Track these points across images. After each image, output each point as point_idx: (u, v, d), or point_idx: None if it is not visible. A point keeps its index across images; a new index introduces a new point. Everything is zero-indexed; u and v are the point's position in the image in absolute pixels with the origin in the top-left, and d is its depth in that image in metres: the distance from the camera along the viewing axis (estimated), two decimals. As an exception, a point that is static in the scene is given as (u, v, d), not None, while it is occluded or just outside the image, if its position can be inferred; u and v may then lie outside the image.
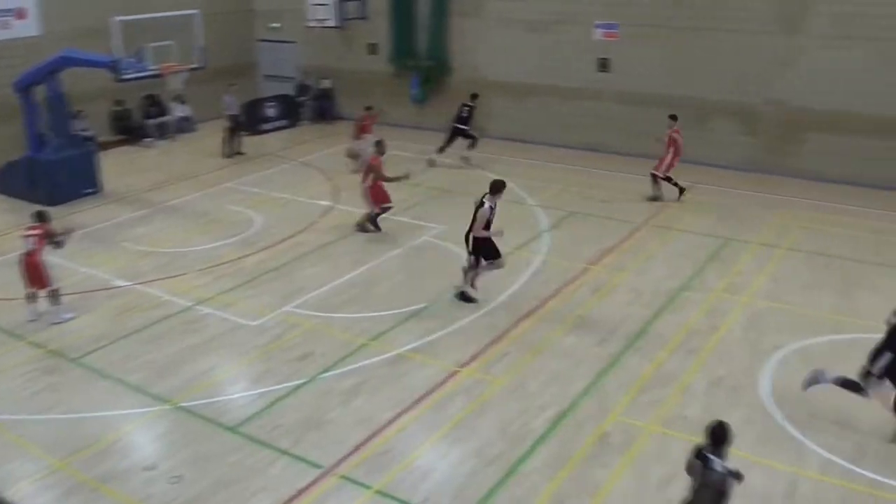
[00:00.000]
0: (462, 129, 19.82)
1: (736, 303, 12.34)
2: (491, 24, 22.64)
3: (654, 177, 17.13)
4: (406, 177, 15.38)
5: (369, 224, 15.24)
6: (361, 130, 19.52)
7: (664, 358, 10.68)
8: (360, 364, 10.54)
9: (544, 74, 22.01)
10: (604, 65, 21.26)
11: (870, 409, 9.26)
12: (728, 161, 19.71)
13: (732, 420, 9.07)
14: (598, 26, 21.20)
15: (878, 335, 10.69)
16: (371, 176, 14.92)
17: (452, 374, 10.26)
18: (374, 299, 12.50)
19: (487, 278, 12.47)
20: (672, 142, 16.89)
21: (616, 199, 17.12)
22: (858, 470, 8.42)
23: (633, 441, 8.87)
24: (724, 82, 19.57)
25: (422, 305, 12.16)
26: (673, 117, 17.12)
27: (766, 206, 16.96)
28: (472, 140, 19.92)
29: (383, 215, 15.26)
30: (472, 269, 12.24)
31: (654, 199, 17.12)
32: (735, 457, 8.43)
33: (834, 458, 8.60)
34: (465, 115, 19.89)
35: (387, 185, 15.12)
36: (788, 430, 9.10)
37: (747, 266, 13.79)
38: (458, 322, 11.63)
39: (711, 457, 6.62)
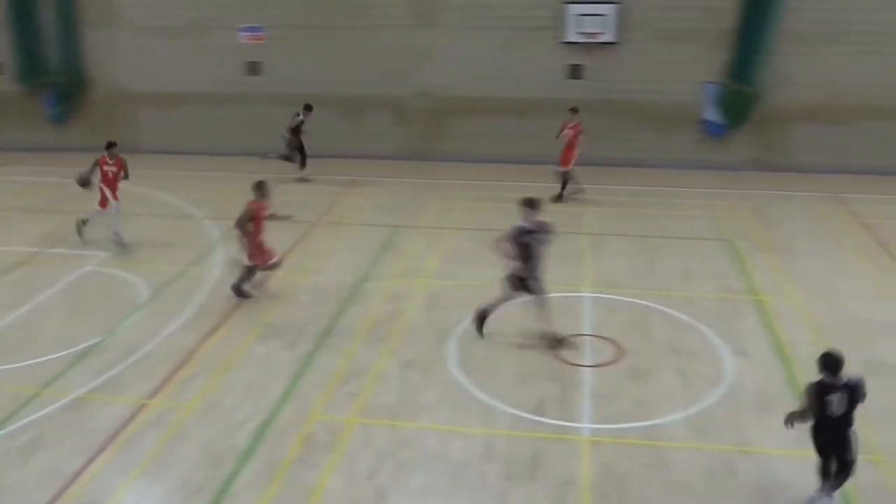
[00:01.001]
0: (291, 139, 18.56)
1: (414, 286, 12.90)
2: (128, 32, 21.41)
3: (563, 174, 17.12)
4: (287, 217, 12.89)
5: (247, 283, 12.44)
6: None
7: (355, 350, 10.86)
8: (34, 416, 9.43)
9: (193, 82, 21.32)
10: (254, 68, 21.05)
11: (547, 363, 10.23)
12: (387, 152, 20.55)
13: (428, 398, 9.58)
14: (241, 30, 20.92)
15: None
16: (250, 225, 12.15)
17: (140, 408, 9.55)
18: (40, 342, 11.25)
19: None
20: (574, 136, 16.93)
21: (291, 203, 17.03)
22: (543, 419, 9.20)
23: (338, 437, 8.91)
24: (374, 77, 20.34)
25: (95, 340, 11.19)
26: (573, 110, 17.24)
27: (427, 190, 17.94)
28: (287, 157, 18.67)
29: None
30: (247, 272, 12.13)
31: (577, 191, 17.24)
32: (434, 431, 8.88)
33: (521, 414, 9.32)
34: (295, 126, 18.54)
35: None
36: (478, 396, 9.69)
37: (419, 250, 14.48)
38: (137, 352, 10.85)
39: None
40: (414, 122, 20.63)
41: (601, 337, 11.16)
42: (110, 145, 14.60)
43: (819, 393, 7.34)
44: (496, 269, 13.50)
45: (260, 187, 12.28)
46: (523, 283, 10.72)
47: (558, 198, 16.91)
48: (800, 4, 18.23)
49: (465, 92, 19.98)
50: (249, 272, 12.31)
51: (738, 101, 18.92)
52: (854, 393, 7.34)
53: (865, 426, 9.03)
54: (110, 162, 14.46)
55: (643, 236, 15.08)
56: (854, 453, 7.45)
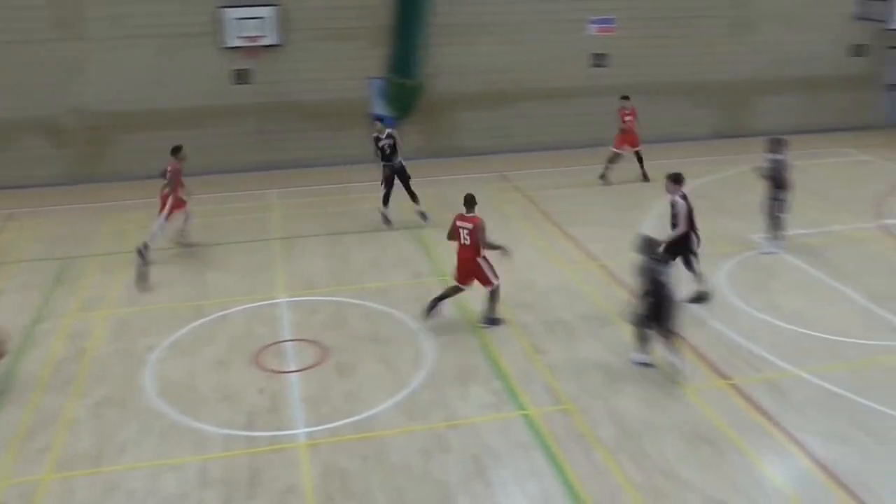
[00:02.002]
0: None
1: (96, 319, 11.94)
2: None
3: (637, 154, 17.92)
4: None
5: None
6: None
7: (39, 399, 9.81)
8: None
9: None
10: None
11: (250, 377, 9.99)
12: (45, 178, 18.78)
13: (129, 435, 8.94)
14: None
15: (237, 308, 11.51)
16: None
17: None
18: None
19: None
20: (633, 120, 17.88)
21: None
22: (256, 433, 8.98)
23: (33, 500, 8.00)
24: (18, 97, 18.43)
25: None
26: (625, 98, 17.91)
27: (96, 215, 16.69)
28: None
29: None
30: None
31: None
32: (142, 469, 8.32)
33: (232, 432, 9.01)
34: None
35: None
36: (184, 422, 9.22)
37: (97, 279, 13.42)
38: None
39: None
40: (72, 144, 19.03)
41: (303, 340, 11.12)
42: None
43: (650, 270, 9.63)
44: (185, 288, 12.99)
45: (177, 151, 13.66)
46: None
47: (644, 177, 17.98)
48: (449, 0, 19.46)
49: (125, 106, 18.81)
50: None
51: (403, 93, 19.76)
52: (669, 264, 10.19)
53: (555, 381, 9.92)
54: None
55: (331, 234, 15.26)
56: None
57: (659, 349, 10.00)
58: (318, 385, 9.97)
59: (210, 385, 9.98)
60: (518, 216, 16.04)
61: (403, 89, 19.71)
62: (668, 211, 11.83)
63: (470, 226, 11.06)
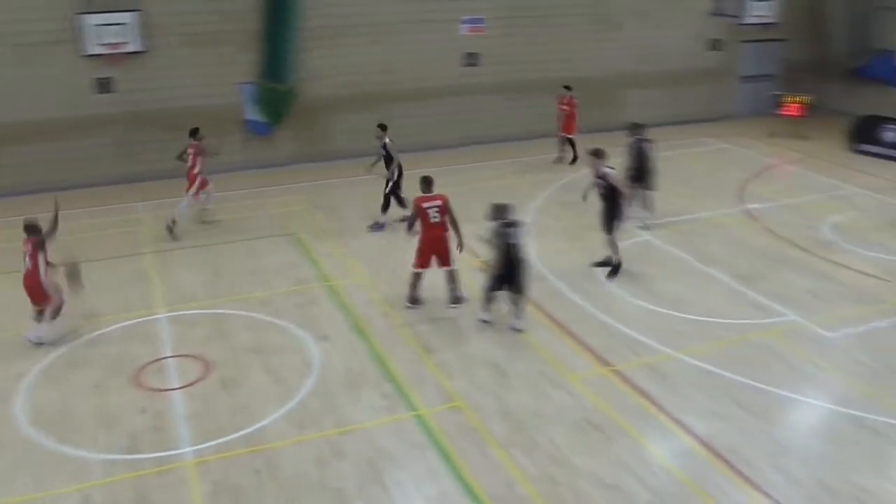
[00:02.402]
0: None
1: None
2: None
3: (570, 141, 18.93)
4: None
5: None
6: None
7: None
8: None
9: None
10: None
11: (130, 397, 9.59)
12: None
13: (1, 469, 8.41)
14: None
15: (113, 326, 11.06)
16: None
17: None
18: None
19: None
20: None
21: None
22: (140, 456, 8.62)
23: None
24: None
25: None
26: (567, 87, 18.98)
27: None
28: None
29: None
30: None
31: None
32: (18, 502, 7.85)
33: (114, 457, 8.63)
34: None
35: None
36: (61, 450, 8.76)
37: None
38: None
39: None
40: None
41: (185, 355, 10.76)
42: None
43: (502, 234, 10.46)
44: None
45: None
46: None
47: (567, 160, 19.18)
48: (317, 3, 19.20)
49: None
50: None
51: (275, 98, 19.39)
52: (519, 227, 10.74)
53: (446, 379, 9.99)
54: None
55: (208, 245, 14.81)
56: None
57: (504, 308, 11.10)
58: (203, 401, 9.67)
59: (88, 409, 9.52)
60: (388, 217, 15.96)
61: (275, 94, 19.36)
62: (592, 187, 12.83)
63: (439, 202, 11.57)
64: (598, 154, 12.55)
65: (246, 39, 19.02)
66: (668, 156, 19.44)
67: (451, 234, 11.66)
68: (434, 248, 11.66)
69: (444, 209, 11.55)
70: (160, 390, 9.93)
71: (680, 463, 8.45)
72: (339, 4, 19.58)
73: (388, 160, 15.11)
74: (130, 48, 18.25)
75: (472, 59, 20.92)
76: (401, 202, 15.16)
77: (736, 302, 12.08)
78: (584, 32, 21.78)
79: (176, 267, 13.81)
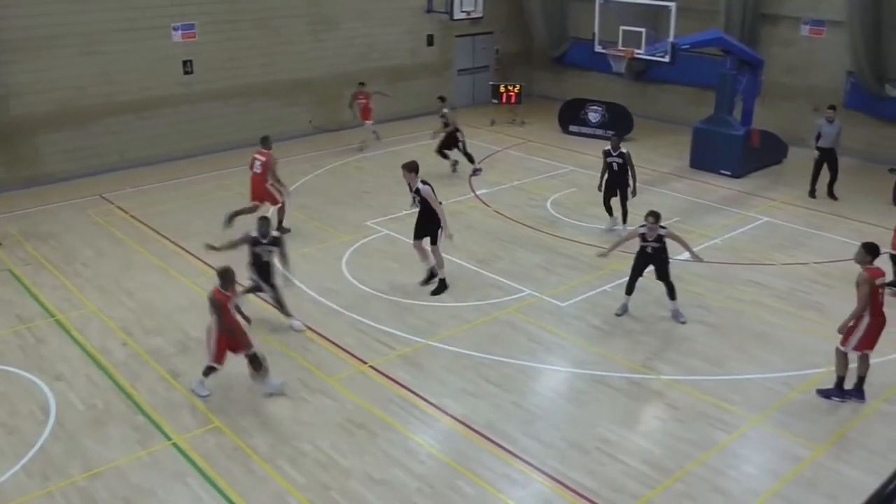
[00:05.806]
0: None
1: None
2: None
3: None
4: None
5: None
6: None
7: None
8: None
9: None
10: None
11: None
12: None
13: None
14: None
15: None
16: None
17: None
18: None
19: None
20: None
21: None
22: None
23: None
24: None
25: None
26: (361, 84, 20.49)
27: None
28: None
29: None
30: None
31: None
32: None
33: None
34: None
35: None
36: None
37: None
38: None
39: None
40: None
41: None
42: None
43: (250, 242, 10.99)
44: None
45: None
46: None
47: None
48: (7, 12, 17.40)
49: None
50: None
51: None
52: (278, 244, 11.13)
53: (199, 402, 9.57)
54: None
55: None
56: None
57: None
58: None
59: None
60: (130, 237, 15.01)
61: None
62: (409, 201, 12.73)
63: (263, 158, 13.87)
64: (411, 168, 12.37)
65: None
66: (396, 151, 20.02)
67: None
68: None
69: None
70: None
71: (442, 446, 8.74)
72: (34, 14, 17.84)
73: (447, 126, 18.41)
74: None
75: (190, 67, 20.12)
76: (470, 158, 18.44)
77: (478, 285, 12.68)
78: (298, 33, 21.68)
79: None
